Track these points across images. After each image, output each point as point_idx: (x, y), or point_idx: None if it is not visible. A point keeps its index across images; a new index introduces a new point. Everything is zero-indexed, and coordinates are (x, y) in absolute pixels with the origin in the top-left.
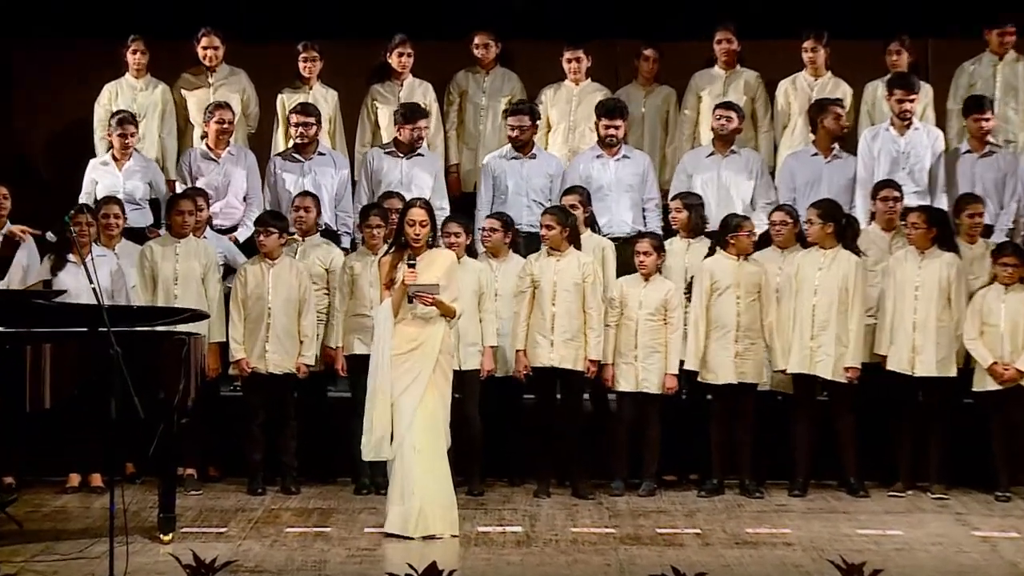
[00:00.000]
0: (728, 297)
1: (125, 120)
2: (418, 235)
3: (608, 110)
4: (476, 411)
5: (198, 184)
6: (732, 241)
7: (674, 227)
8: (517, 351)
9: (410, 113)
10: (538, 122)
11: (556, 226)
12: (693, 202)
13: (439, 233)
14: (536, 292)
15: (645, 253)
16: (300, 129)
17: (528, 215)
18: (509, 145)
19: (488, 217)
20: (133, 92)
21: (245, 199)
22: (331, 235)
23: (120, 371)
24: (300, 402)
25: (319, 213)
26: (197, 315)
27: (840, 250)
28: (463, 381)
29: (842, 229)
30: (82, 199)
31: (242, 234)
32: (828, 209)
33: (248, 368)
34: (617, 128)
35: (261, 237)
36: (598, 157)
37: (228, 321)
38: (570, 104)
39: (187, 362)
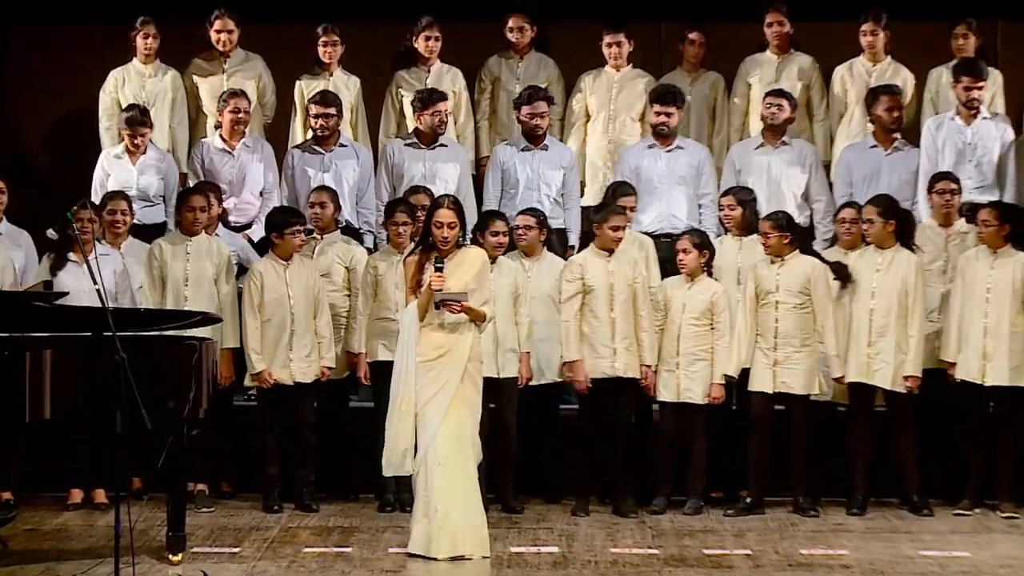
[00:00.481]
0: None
1: (134, 121)
2: (446, 238)
3: (661, 96)
4: (514, 421)
5: (211, 178)
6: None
7: (726, 225)
8: (573, 362)
9: (428, 97)
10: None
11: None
12: (746, 198)
13: (468, 232)
14: (588, 296)
15: (684, 251)
16: (320, 120)
17: (545, 208)
18: (519, 135)
19: (522, 213)
20: (141, 79)
21: (261, 194)
22: (351, 232)
23: (126, 379)
24: (319, 412)
25: (337, 209)
26: (209, 319)
27: (899, 249)
28: (501, 389)
29: (901, 226)
30: (94, 194)
31: (257, 232)
32: (888, 205)
33: (271, 380)
34: (670, 115)
35: (290, 237)
36: (650, 148)
37: (242, 326)
38: (610, 92)
39: (198, 369)
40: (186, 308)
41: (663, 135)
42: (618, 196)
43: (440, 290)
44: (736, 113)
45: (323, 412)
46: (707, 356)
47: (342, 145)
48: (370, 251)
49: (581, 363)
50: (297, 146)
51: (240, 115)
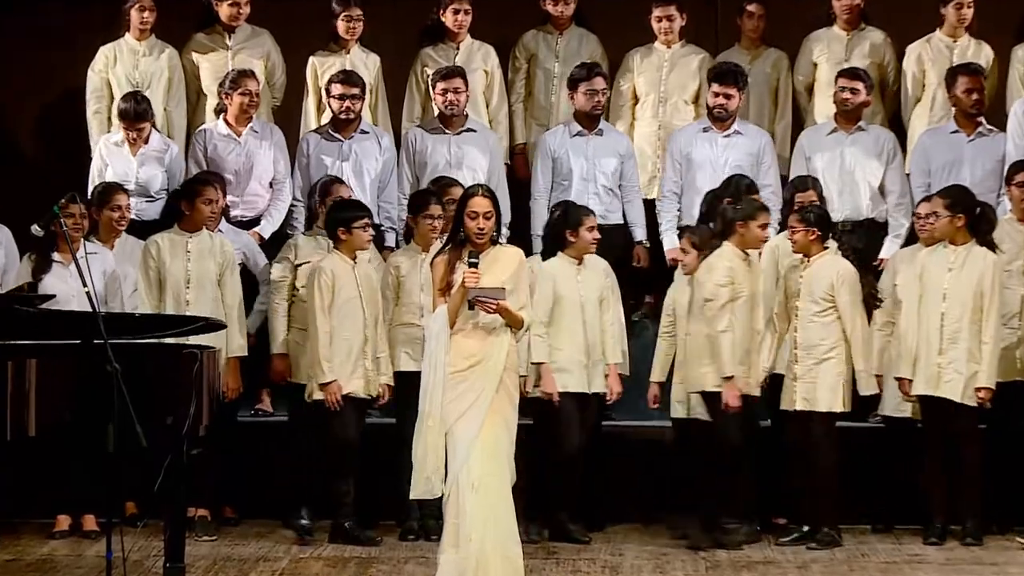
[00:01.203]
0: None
1: (128, 115)
2: (482, 229)
3: (721, 75)
4: (579, 443)
5: (214, 168)
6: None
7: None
8: (729, 378)
9: (447, 73)
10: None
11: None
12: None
13: (504, 227)
14: (741, 303)
15: (683, 251)
16: (345, 103)
17: (597, 205)
18: (571, 119)
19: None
20: (135, 57)
21: (271, 185)
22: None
23: (119, 391)
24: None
25: None
26: (212, 325)
27: (973, 247)
28: (587, 405)
29: (976, 221)
30: (91, 186)
31: (266, 228)
32: (958, 197)
33: (339, 395)
34: (730, 97)
35: (359, 232)
36: (704, 131)
37: (282, 331)
38: (660, 71)
39: (200, 381)
40: (188, 313)
41: (721, 118)
42: (798, 191)
43: (475, 287)
44: (802, 95)
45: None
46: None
47: (363, 131)
48: (391, 250)
49: (735, 380)
50: (313, 131)
51: (251, 98)
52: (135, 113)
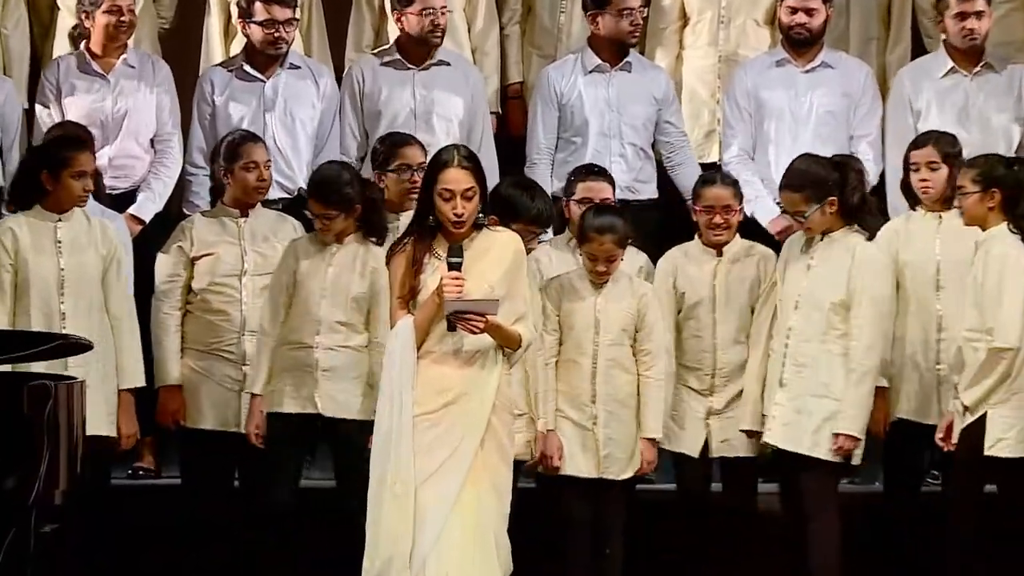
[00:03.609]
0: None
1: None
2: (460, 215)
3: None
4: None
5: (73, 115)
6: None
7: (920, 192)
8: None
9: None
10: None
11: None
12: (951, 150)
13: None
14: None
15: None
16: (275, 31)
17: (620, 170)
18: (587, 48)
19: (587, 176)
20: None
21: (153, 144)
22: (299, 206)
23: None
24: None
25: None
26: (71, 346)
27: None
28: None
29: None
30: None
31: (146, 207)
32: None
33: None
34: (812, 13)
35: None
36: (779, 65)
37: (172, 354)
38: None
39: (54, 428)
40: (65, 328)
41: (800, 43)
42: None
43: (457, 298)
44: (925, 17)
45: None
46: None
47: (293, 66)
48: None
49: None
50: (219, 65)
51: (123, 17)
52: None
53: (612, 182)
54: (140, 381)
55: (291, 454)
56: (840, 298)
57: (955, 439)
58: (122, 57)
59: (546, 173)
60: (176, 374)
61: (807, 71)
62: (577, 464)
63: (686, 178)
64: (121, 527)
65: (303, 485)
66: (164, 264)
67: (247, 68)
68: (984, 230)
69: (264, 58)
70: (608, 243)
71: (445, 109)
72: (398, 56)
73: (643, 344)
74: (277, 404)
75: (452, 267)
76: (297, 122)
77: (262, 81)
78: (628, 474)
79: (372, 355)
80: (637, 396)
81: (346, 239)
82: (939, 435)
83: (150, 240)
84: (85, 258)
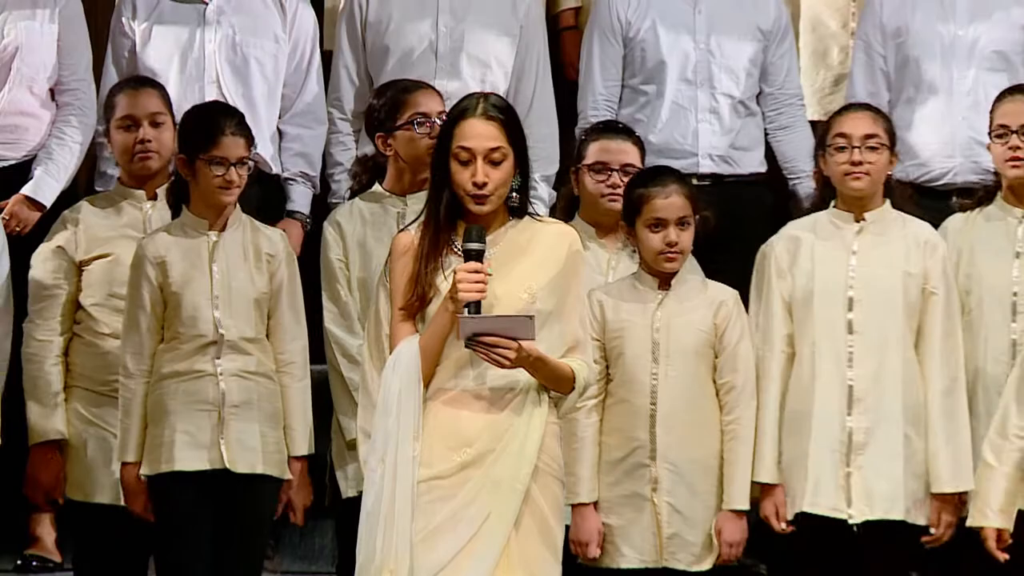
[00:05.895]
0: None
1: None
2: (481, 183)
3: None
4: None
5: None
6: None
7: None
8: None
9: None
10: None
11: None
12: None
13: (541, 178)
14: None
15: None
16: None
17: (711, 132)
18: None
19: (604, 133)
20: None
21: (52, 96)
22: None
23: None
24: None
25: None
26: None
27: None
28: None
29: None
30: None
31: (44, 185)
32: None
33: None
34: None
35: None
36: None
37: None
38: None
39: None
40: None
41: None
42: None
43: (474, 309)
44: None
45: None
46: None
47: None
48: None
49: None
50: None
51: None
52: None
53: (640, 145)
54: (63, 433)
55: (201, 532)
56: None
57: None
58: None
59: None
60: (57, 427)
61: None
62: (629, 551)
63: (793, 147)
64: None
65: None
66: (40, 271)
67: None
68: None
69: None
70: (675, 196)
71: (481, 47)
72: None
73: (724, 375)
74: (166, 462)
75: (469, 256)
76: (251, 63)
77: (202, 3)
78: (705, 565)
79: (283, 384)
80: (718, 452)
81: (227, 222)
82: None
83: (37, 235)
84: None
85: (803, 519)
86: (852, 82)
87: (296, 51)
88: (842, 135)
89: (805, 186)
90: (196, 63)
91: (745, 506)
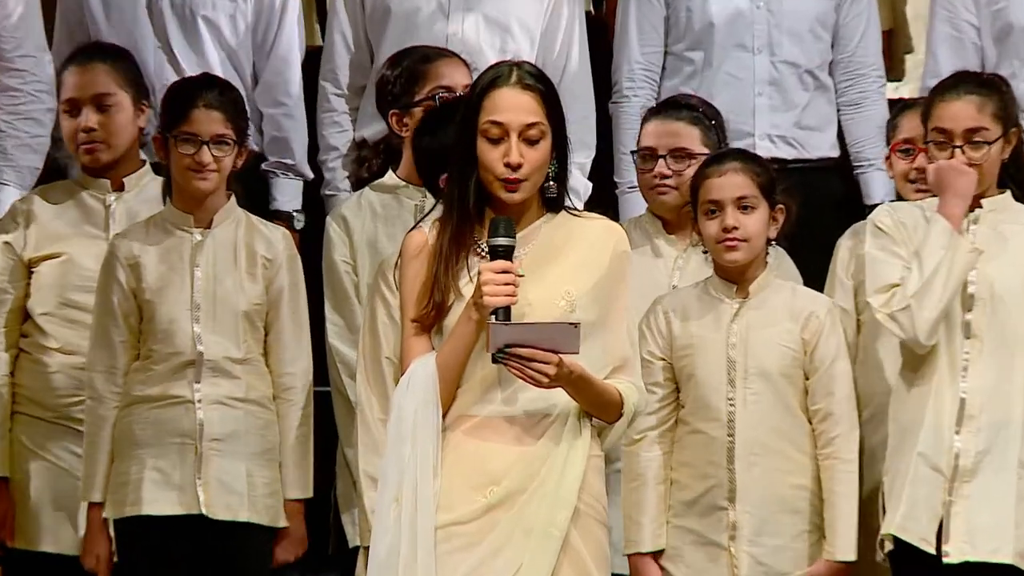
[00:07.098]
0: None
1: None
2: (515, 165)
3: None
4: None
5: None
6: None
7: None
8: None
9: None
10: None
11: None
12: None
13: (577, 164)
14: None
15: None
16: None
17: (770, 108)
18: None
19: (659, 113)
20: None
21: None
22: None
23: None
24: None
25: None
26: None
27: None
28: None
29: None
30: None
31: (7, 191)
32: None
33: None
34: None
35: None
36: None
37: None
38: None
39: None
40: None
41: None
42: None
43: (502, 317)
44: None
45: None
46: None
47: None
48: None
49: None
50: None
51: None
52: None
53: (706, 125)
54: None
55: None
56: None
57: None
58: None
59: (641, 111)
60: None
61: None
62: None
63: (860, 128)
64: None
65: None
66: None
67: None
68: None
69: None
70: (733, 174)
71: (500, 6)
72: None
73: (817, 400)
74: (132, 504)
75: (496, 253)
76: (201, 24)
77: None
78: None
79: (281, 413)
80: (809, 493)
81: (216, 218)
82: None
83: None
84: None
85: (896, 544)
86: (934, 59)
87: (264, 15)
88: (941, 130)
89: (871, 176)
90: (155, 34)
91: (851, 556)
